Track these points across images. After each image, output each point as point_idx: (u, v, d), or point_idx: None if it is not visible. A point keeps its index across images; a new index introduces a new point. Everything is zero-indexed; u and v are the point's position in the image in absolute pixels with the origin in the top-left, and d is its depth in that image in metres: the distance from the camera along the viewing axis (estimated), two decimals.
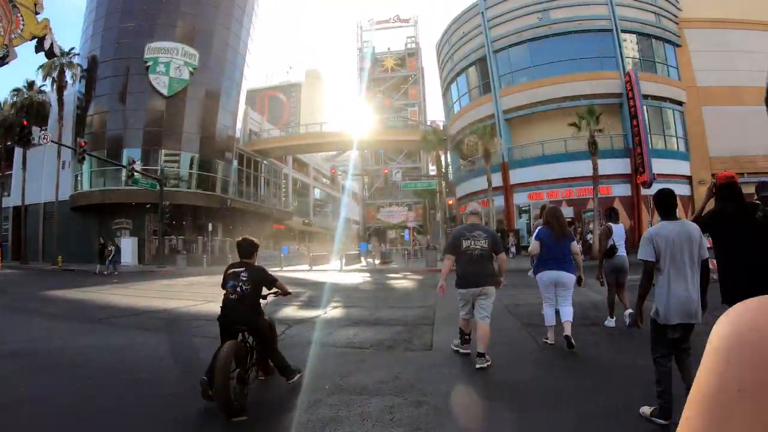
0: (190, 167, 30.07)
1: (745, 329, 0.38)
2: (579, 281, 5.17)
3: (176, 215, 26.76)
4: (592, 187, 21.00)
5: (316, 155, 49.22)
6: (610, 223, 6.31)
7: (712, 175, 24.19)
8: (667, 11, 25.05)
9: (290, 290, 4.18)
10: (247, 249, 3.90)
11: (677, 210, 3.28)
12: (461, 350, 4.85)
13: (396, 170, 22.96)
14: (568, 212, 22.12)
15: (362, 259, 24.93)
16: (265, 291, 3.91)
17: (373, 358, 4.94)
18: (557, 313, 5.17)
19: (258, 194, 36.53)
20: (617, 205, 22.20)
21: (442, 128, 23.74)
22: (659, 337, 3.16)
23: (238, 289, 3.70)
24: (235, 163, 32.99)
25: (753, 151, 24.83)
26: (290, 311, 8.20)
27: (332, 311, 8.26)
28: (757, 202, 3.38)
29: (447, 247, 4.91)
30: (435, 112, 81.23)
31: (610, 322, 6.05)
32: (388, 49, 50.04)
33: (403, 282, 14.26)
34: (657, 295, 3.15)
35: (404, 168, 38.95)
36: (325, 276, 16.50)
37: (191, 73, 30.12)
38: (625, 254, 6.17)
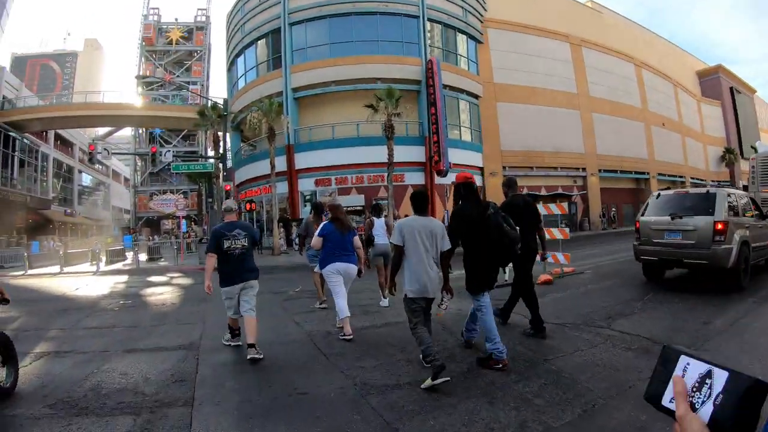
0: None
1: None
2: (359, 273, 5.61)
3: None
4: (384, 174, 19.51)
5: (84, 133, 42.44)
6: (373, 217, 7.31)
7: (503, 167, 24.78)
8: (474, 9, 25.28)
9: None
10: None
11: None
12: (232, 343, 4.99)
13: (167, 150, 19.06)
14: (359, 200, 20.33)
15: (126, 255, 20.85)
16: None
17: None
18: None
19: (9, 177, 29.06)
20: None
21: (223, 105, 20.19)
22: (410, 309, 3.86)
23: None
24: None
25: (541, 148, 26.12)
26: None
27: (27, 370, 4.50)
28: (490, 201, 4.37)
29: (208, 246, 4.92)
30: (218, 93, 79.91)
31: (384, 302, 6.77)
32: (176, 19, 45.60)
33: (165, 291, 10.63)
34: (405, 276, 3.87)
35: (181, 152, 34.73)
36: (72, 282, 12.99)
37: None
38: (386, 241, 7.05)
